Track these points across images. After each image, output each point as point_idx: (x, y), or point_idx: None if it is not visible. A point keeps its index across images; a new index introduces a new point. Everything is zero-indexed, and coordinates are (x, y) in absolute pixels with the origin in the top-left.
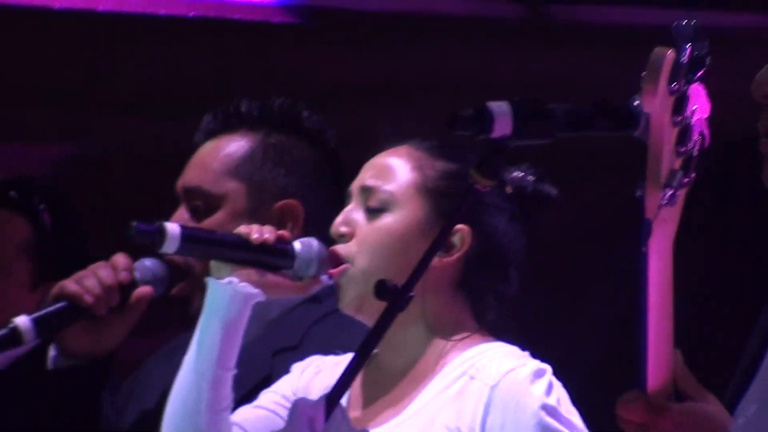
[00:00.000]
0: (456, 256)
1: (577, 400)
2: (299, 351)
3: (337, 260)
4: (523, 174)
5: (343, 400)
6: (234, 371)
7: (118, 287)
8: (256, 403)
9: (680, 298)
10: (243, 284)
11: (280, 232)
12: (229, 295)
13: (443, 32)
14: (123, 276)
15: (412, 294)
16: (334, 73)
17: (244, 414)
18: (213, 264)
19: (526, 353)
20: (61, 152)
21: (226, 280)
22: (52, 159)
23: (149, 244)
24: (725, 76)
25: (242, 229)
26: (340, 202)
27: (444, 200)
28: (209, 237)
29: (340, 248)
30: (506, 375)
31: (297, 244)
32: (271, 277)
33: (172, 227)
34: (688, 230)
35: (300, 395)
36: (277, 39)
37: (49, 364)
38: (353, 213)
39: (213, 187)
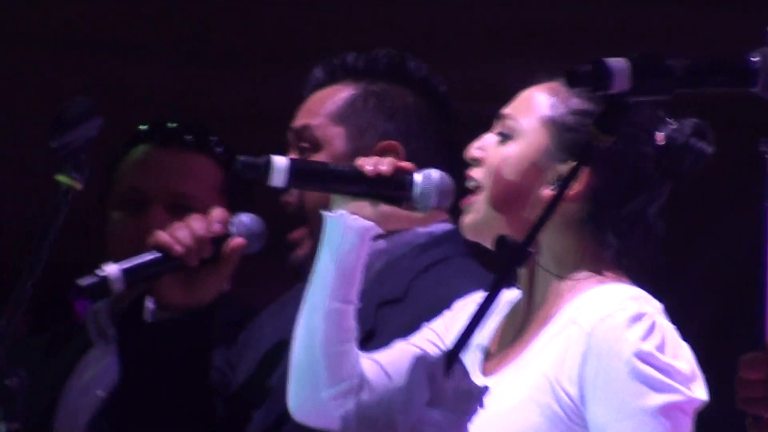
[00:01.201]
0: (571, 194)
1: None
2: (404, 304)
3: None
4: (679, 126)
5: (487, 342)
6: (353, 305)
7: (211, 239)
8: (409, 339)
9: None
10: (354, 217)
11: (400, 163)
12: (340, 227)
13: None
14: (216, 228)
15: (532, 250)
16: (463, 24)
17: (390, 349)
18: (333, 198)
19: (640, 295)
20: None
21: (338, 213)
22: None
23: (256, 177)
24: None
25: (359, 161)
26: (446, 150)
27: (567, 135)
28: (320, 169)
29: (472, 171)
30: (603, 320)
31: (417, 176)
32: (385, 209)
33: (280, 160)
34: None
35: (454, 332)
36: None
37: (147, 316)
38: (489, 137)
39: (316, 129)
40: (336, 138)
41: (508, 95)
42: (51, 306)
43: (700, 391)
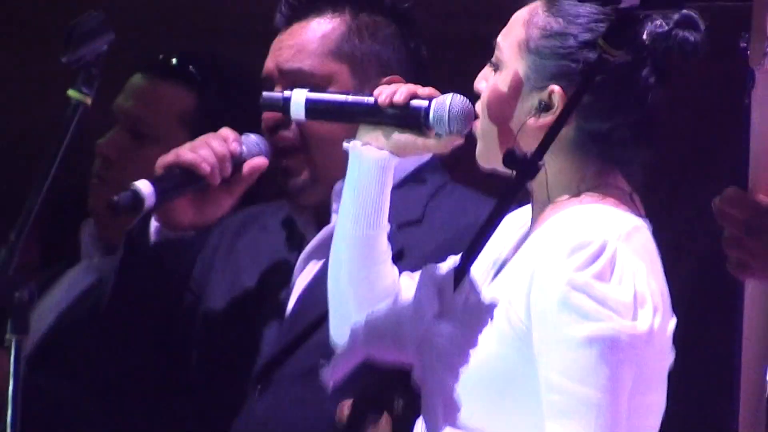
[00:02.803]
0: (551, 117)
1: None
2: (423, 225)
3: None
4: (662, 21)
5: (498, 257)
6: (381, 230)
7: (230, 158)
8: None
9: None
10: (367, 147)
11: (420, 90)
12: (356, 158)
13: None
14: (234, 147)
15: (541, 162)
16: None
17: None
18: (360, 127)
19: (606, 218)
20: None
21: (352, 143)
22: None
23: (277, 110)
24: None
25: (376, 91)
26: (428, 75)
27: (542, 60)
28: (335, 101)
29: (477, 104)
30: (549, 248)
31: (433, 102)
32: (399, 137)
33: (299, 93)
34: None
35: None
36: None
37: (152, 236)
38: (486, 69)
39: (316, 69)
40: (339, 76)
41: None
42: (59, 238)
43: (642, 322)
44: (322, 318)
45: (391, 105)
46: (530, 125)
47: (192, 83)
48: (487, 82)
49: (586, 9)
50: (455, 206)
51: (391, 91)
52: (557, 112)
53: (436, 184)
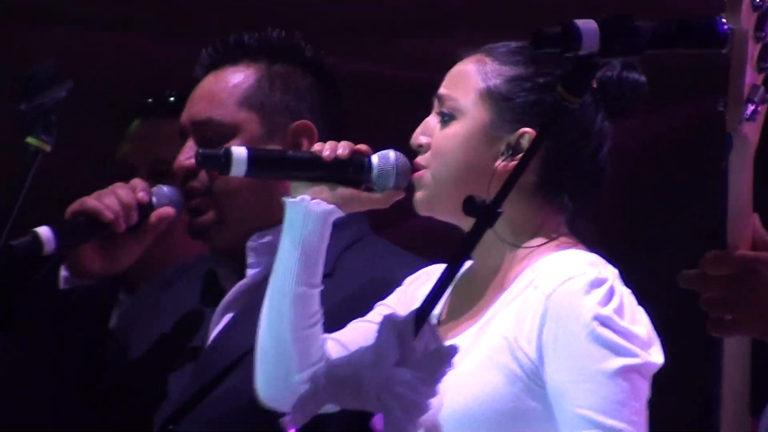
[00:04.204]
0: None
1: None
2: (333, 278)
3: (417, 169)
4: (608, 66)
5: (437, 311)
6: (318, 288)
7: (137, 206)
8: (365, 317)
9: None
10: (315, 201)
11: (358, 146)
12: (302, 212)
13: None
14: (141, 196)
15: (500, 210)
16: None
17: (347, 328)
18: (292, 184)
19: (598, 261)
20: None
21: (299, 198)
22: None
23: (216, 168)
24: None
25: (316, 146)
26: (344, 127)
27: (507, 104)
28: (278, 157)
29: (419, 159)
30: (562, 284)
31: (374, 157)
32: (344, 192)
33: (239, 150)
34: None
35: (407, 306)
36: None
37: (62, 283)
38: (431, 121)
39: (225, 118)
40: (248, 124)
41: (438, 66)
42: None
43: (657, 355)
44: (229, 369)
45: (335, 160)
46: (499, 169)
47: None
48: (433, 134)
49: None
50: (367, 260)
51: (333, 147)
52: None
53: (353, 236)
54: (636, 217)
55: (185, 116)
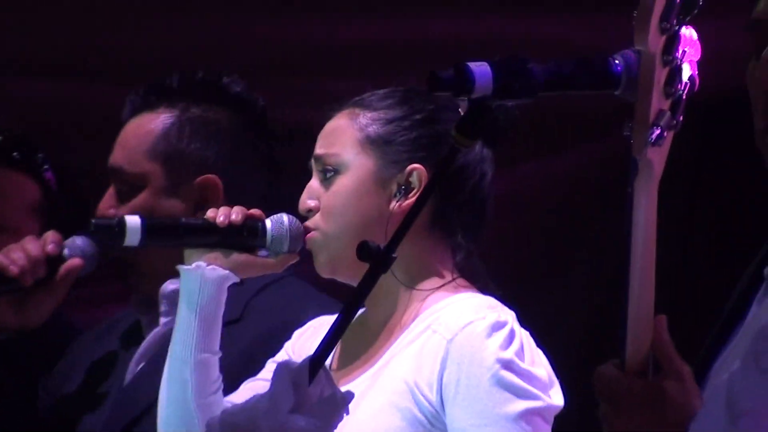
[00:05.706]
0: (415, 197)
1: (563, 362)
2: (241, 323)
3: (308, 232)
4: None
5: (331, 357)
6: (218, 354)
7: (45, 260)
8: (257, 376)
9: (665, 247)
10: (211, 267)
11: (251, 211)
12: (198, 279)
13: None
14: (50, 249)
15: (394, 255)
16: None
17: (241, 389)
18: (185, 251)
19: (496, 304)
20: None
21: (194, 265)
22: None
23: (109, 238)
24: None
25: (210, 213)
26: (269, 165)
27: (389, 147)
28: (172, 225)
29: (309, 222)
30: (463, 329)
31: (268, 222)
32: (239, 257)
33: (133, 220)
34: (671, 180)
35: (298, 358)
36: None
37: None
38: (314, 184)
39: (133, 168)
40: (153, 176)
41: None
42: None
43: (557, 397)
44: (138, 419)
45: (230, 226)
46: (395, 211)
47: (30, 170)
48: (319, 196)
49: (409, 93)
50: (279, 302)
51: (227, 212)
52: (421, 191)
53: (271, 277)
54: (540, 261)
55: (109, 162)
